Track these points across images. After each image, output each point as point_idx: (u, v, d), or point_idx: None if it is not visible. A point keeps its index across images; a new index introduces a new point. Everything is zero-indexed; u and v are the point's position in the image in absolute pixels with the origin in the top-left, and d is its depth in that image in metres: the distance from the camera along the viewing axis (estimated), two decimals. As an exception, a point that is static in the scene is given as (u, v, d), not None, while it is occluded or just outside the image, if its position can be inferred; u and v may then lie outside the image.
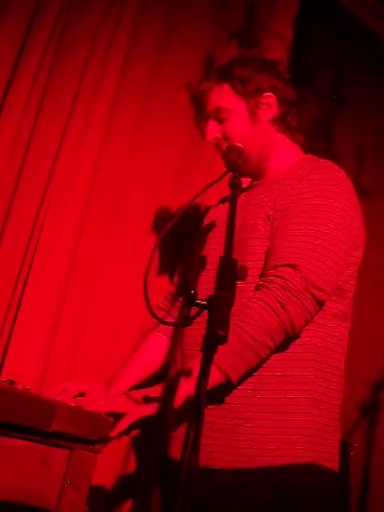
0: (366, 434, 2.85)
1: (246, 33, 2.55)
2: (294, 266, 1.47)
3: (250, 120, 1.71)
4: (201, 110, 1.78)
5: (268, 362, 1.49)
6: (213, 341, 1.09)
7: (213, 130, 1.74)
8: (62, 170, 2.17)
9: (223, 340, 1.07)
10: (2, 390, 1.25)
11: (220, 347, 1.35)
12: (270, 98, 1.71)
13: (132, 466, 2.17)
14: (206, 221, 1.90)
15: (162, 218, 2.31)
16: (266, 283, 1.49)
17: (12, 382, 1.41)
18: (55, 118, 2.18)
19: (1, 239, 2.06)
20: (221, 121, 1.73)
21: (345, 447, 1.60)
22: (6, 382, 1.41)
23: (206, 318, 1.13)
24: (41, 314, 2.07)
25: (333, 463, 1.54)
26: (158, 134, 2.41)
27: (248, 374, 1.48)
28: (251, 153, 1.70)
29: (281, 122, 1.74)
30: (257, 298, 1.47)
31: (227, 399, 1.50)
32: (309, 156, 1.74)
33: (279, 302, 1.44)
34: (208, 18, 2.55)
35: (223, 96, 1.72)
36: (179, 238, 2.24)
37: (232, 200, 1.40)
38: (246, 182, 1.80)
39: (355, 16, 3.08)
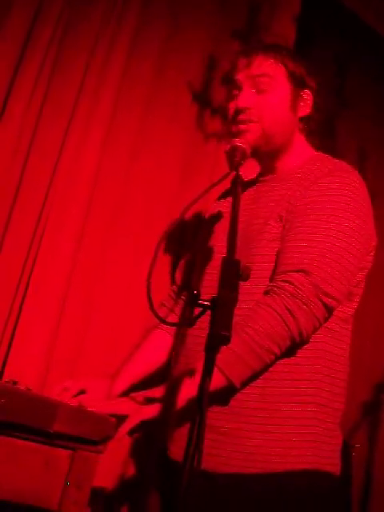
0: (368, 434, 2.85)
1: (249, 34, 2.55)
2: (304, 272, 1.44)
3: (290, 107, 1.66)
4: (238, 72, 1.67)
5: (275, 366, 1.48)
6: (216, 341, 1.08)
7: (248, 96, 1.64)
8: (63, 172, 2.17)
9: (226, 340, 1.06)
10: (5, 391, 1.26)
11: (224, 351, 1.36)
12: (309, 96, 1.68)
13: (133, 467, 2.17)
14: (210, 215, 1.87)
15: (164, 220, 2.31)
16: (275, 289, 1.46)
17: (15, 383, 1.41)
18: (57, 120, 2.19)
19: (3, 241, 2.06)
20: (260, 91, 1.64)
21: (347, 448, 1.60)
22: (8, 382, 1.41)
23: (209, 317, 1.13)
24: (43, 315, 2.07)
25: (335, 467, 1.54)
26: (160, 136, 2.41)
27: (252, 379, 1.47)
28: (276, 136, 1.64)
29: (305, 123, 1.70)
30: (265, 304, 1.45)
31: (233, 403, 1.49)
32: (321, 154, 1.70)
33: (288, 309, 1.42)
34: (210, 19, 2.56)
35: (276, 70, 1.65)
36: (182, 237, 2.24)
37: (234, 200, 1.39)
38: (255, 169, 1.77)
39: (358, 15, 3.08)
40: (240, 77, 1.67)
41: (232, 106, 1.67)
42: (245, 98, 1.64)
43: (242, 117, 1.64)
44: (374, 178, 3.17)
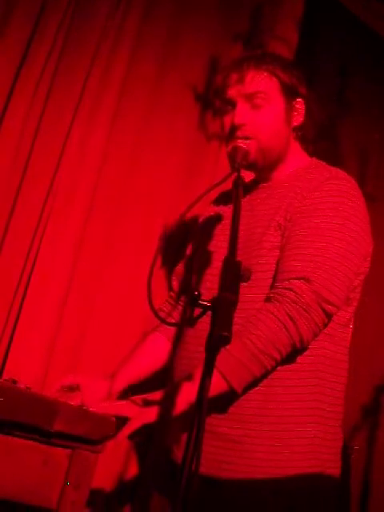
0: (367, 436, 2.85)
1: (251, 36, 2.55)
2: (305, 279, 1.47)
3: (285, 120, 1.68)
4: (231, 88, 1.66)
5: (276, 372, 1.49)
6: (216, 342, 1.08)
7: (243, 112, 1.63)
8: (65, 172, 2.17)
9: (226, 340, 1.07)
10: (5, 389, 1.25)
11: (226, 357, 1.38)
12: (301, 104, 1.70)
13: (132, 469, 2.17)
14: (209, 217, 1.87)
15: (164, 223, 2.31)
16: (276, 296, 1.48)
17: (14, 382, 1.41)
18: (59, 120, 2.18)
19: (3, 242, 2.06)
20: (255, 107, 1.64)
21: (346, 450, 1.61)
22: (7, 381, 1.41)
23: (208, 319, 1.13)
24: (42, 317, 2.07)
25: (335, 470, 1.55)
26: (162, 137, 2.41)
27: (253, 384, 1.48)
28: (273, 151, 1.66)
29: (299, 131, 1.72)
30: (267, 311, 1.47)
31: (236, 409, 1.50)
32: (316, 161, 1.73)
33: (289, 316, 1.44)
34: (213, 21, 2.55)
35: (269, 85, 1.65)
36: (183, 238, 2.24)
37: (236, 201, 1.39)
38: (249, 175, 1.77)
39: (360, 19, 3.09)
40: (233, 93, 1.66)
41: (227, 122, 1.67)
42: (240, 115, 1.63)
43: (238, 133, 1.63)
44: (376, 182, 3.17)
